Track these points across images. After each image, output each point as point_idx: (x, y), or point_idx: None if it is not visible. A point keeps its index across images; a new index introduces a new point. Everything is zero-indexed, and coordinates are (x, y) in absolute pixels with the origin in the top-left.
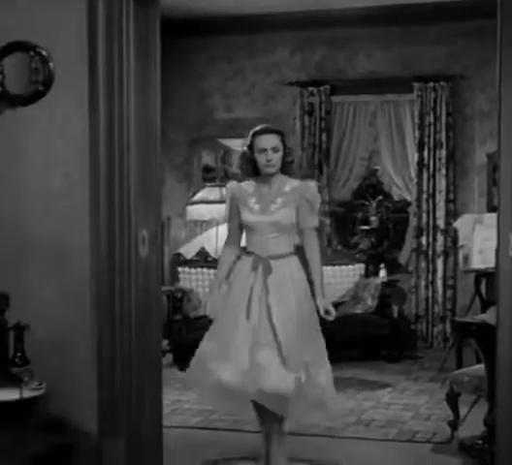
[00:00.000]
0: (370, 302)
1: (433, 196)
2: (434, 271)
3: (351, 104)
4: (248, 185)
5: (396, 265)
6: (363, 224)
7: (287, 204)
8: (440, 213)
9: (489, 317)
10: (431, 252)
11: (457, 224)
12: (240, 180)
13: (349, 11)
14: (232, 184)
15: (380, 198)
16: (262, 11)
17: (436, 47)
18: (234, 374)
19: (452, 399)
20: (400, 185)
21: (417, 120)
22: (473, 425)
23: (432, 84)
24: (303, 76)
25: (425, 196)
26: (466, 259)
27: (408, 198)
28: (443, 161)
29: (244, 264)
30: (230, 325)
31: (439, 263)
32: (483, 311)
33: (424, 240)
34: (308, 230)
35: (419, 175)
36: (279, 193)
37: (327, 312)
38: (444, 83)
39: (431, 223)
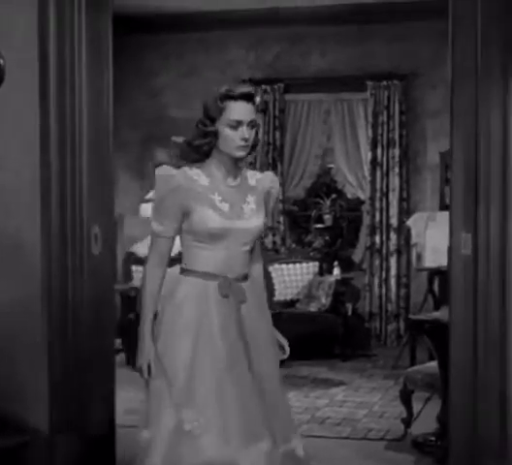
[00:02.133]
0: (324, 300)
1: (387, 194)
2: (388, 269)
3: (305, 102)
4: (198, 174)
5: (349, 263)
6: (317, 222)
7: (260, 204)
8: (393, 211)
9: (442, 314)
10: (384, 250)
11: (410, 222)
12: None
13: (303, 9)
14: (172, 171)
15: (334, 196)
16: (216, 8)
17: (390, 46)
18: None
19: (405, 396)
20: (354, 183)
21: (370, 119)
22: (426, 422)
23: (385, 83)
24: (257, 73)
25: (378, 194)
26: (419, 257)
27: (362, 196)
28: (396, 159)
29: (205, 291)
30: (222, 385)
31: (393, 261)
32: (436, 309)
33: (377, 238)
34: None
35: (372, 174)
36: (248, 188)
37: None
38: (397, 82)
39: (384, 221)
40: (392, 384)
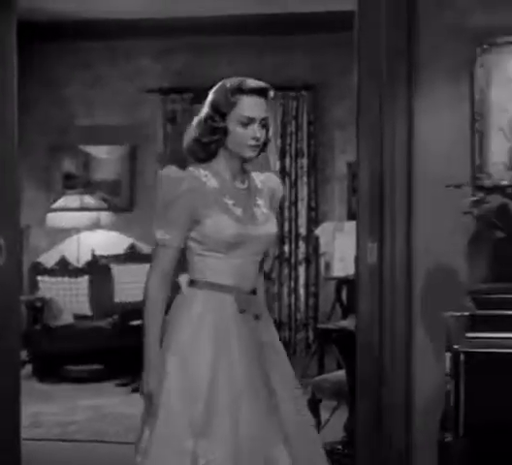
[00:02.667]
0: None
1: (295, 203)
2: (297, 278)
3: None
4: (206, 176)
5: None
6: None
7: (270, 208)
8: (302, 221)
9: (349, 323)
10: (293, 259)
11: (318, 231)
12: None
13: (212, 19)
14: (179, 172)
15: None
16: (124, 17)
17: (298, 57)
18: None
19: (313, 405)
20: None
21: (279, 128)
22: (334, 431)
23: (293, 93)
24: (165, 83)
25: (287, 203)
26: (328, 266)
27: None
28: (305, 169)
29: (222, 305)
30: (240, 415)
31: (301, 270)
32: (344, 317)
33: (286, 248)
34: None
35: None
36: (256, 190)
37: None
38: (305, 93)
39: (293, 230)
40: (300, 392)
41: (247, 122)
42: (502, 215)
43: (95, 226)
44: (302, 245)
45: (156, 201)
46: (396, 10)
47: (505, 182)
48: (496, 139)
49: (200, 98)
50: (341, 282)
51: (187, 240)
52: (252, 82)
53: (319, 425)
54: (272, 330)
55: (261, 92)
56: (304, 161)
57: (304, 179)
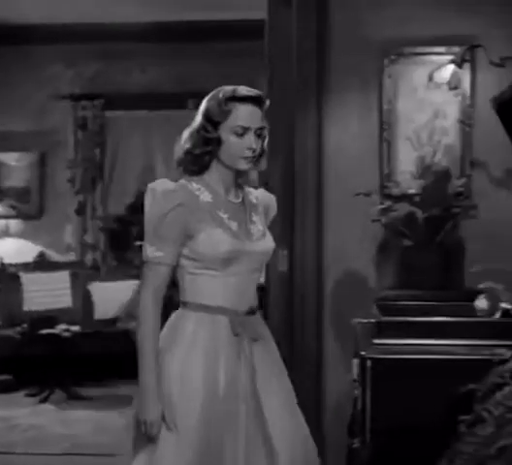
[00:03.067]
0: None
1: None
2: None
3: (126, 118)
4: (199, 189)
5: (173, 281)
6: (137, 239)
7: (265, 225)
8: None
9: None
10: None
11: None
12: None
13: (125, 25)
14: (171, 185)
15: None
16: (35, 21)
17: (212, 65)
18: None
19: None
20: None
21: None
22: None
23: None
24: (76, 89)
25: None
26: None
27: None
28: None
29: (214, 330)
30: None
31: None
32: None
33: None
34: None
35: None
36: (251, 206)
37: None
38: None
39: None
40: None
41: (242, 132)
42: (409, 223)
43: (3, 234)
44: None
45: (146, 216)
46: (306, 20)
47: (413, 191)
48: (404, 148)
49: (111, 104)
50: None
51: (179, 258)
52: (247, 90)
53: None
54: (272, 352)
55: (256, 100)
56: None
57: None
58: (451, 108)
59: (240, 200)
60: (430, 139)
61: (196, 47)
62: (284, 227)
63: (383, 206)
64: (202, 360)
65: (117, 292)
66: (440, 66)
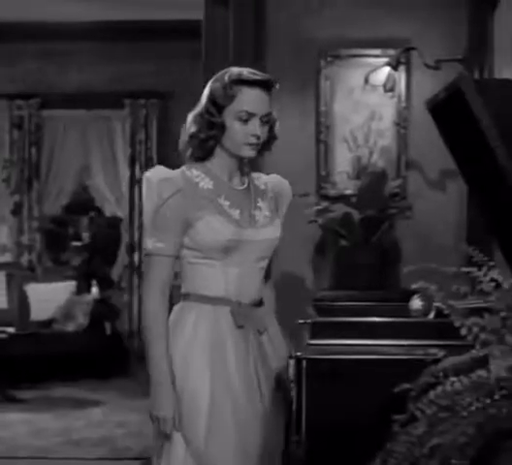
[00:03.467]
0: (82, 320)
1: None
2: None
3: (62, 118)
4: (199, 176)
5: (108, 282)
6: (74, 240)
7: (273, 211)
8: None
9: None
10: (143, 268)
11: None
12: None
13: (62, 24)
14: (168, 172)
15: (92, 214)
16: None
17: (148, 65)
18: None
19: None
20: (112, 201)
21: (128, 136)
22: None
23: (143, 101)
24: (11, 88)
25: (137, 212)
26: (177, 274)
27: (120, 214)
28: None
29: (217, 321)
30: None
31: None
32: None
33: (136, 256)
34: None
35: (130, 191)
36: (258, 192)
37: None
38: (155, 100)
39: (143, 239)
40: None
41: (247, 118)
42: (346, 224)
43: None
44: None
45: (143, 207)
46: (243, 21)
47: (349, 191)
48: (341, 149)
49: (47, 104)
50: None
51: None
52: (254, 73)
53: None
54: (280, 347)
55: (264, 84)
56: None
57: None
58: (387, 110)
59: (244, 186)
60: (366, 141)
61: (133, 47)
62: None
63: (320, 207)
64: (206, 354)
65: (54, 293)
66: (376, 68)
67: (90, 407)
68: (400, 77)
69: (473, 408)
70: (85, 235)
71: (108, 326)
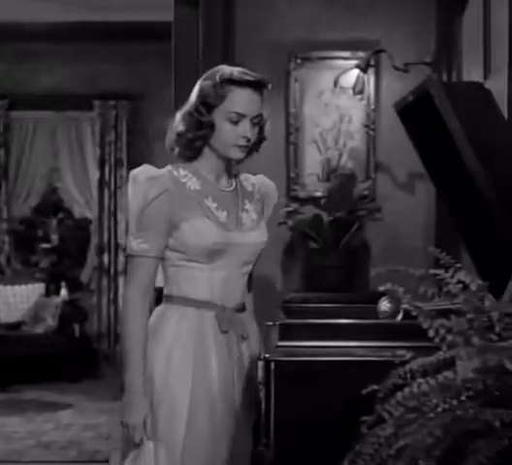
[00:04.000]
0: (51, 322)
1: (115, 214)
2: (116, 289)
3: (31, 119)
4: (186, 177)
5: (77, 284)
6: (43, 242)
7: (260, 214)
8: (121, 231)
9: None
10: (112, 270)
11: None
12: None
13: (32, 25)
14: (154, 171)
15: (61, 215)
16: None
17: (118, 66)
18: None
19: None
20: (82, 203)
21: (98, 138)
22: None
23: (112, 102)
24: None
25: (106, 213)
26: None
27: (89, 215)
28: (124, 179)
29: (200, 325)
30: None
31: (121, 280)
32: None
33: (105, 258)
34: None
35: (100, 193)
36: (245, 193)
37: None
38: (125, 102)
39: (112, 241)
40: (119, 405)
41: (237, 119)
42: (316, 226)
43: None
44: (121, 256)
45: (129, 206)
46: (212, 23)
47: (319, 193)
48: (310, 151)
49: (16, 105)
50: (160, 292)
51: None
52: (246, 73)
53: None
54: (254, 347)
55: (256, 85)
56: (124, 171)
57: (124, 189)
58: (356, 113)
59: (232, 187)
60: (335, 143)
61: (103, 49)
62: None
63: (289, 209)
64: (189, 359)
65: (22, 295)
66: (345, 70)
67: (59, 410)
68: (370, 79)
69: (440, 409)
70: (54, 237)
71: (76, 329)
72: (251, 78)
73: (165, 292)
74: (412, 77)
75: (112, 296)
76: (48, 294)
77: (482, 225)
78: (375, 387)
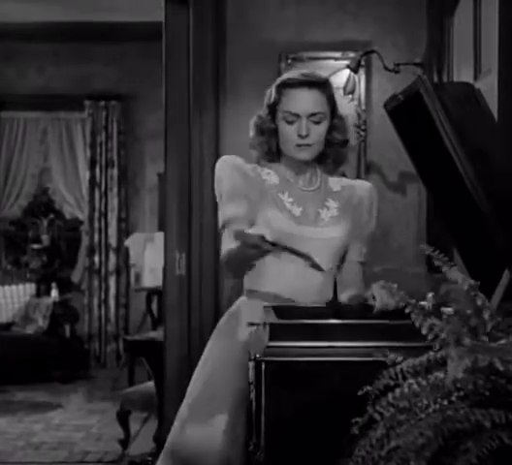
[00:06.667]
0: (42, 323)
1: (105, 214)
2: (107, 290)
3: (21, 120)
4: (268, 174)
5: (68, 284)
6: (34, 242)
7: (345, 212)
8: (112, 232)
9: (158, 334)
10: (103, 270)
11: (128, 242)
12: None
13: (22, 25)
14: (239, 159)
15: (52, 216)
16: None
17: (109, 66)
18: None
19: (122, 417)
20: (72, 203)
21: (88, 138)
22: (144, 442)
23: (103, 103)
24: None
25: (97, 214)
26: (138, 277)
27: (80, 216)
28: (115, 179)
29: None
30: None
31: (112, 281)
32: (154, 329)
33: (96, 259)
34: (353, 264)
35: (91, 194)
36: (329, 192)
37: None
38: (116, 102)
39: (103, 241)
40: (110, 405)
41: (292, 119)
42: None
43: None
44: (112, 256)
45: (215, 186)
46: (203, 23)
47: None
48: None
49: (6, 105)
50: (151, 293)
51: None
52: (301, 74)
53: (128, 437)
54: None
55: (312, 85)
56: (115, 171)
57: (115, 190)
58: (347, 113)
59: (313, 187)
60: None
61: (94, 49)
62: (181, 229)
63: None
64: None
65: (13, 295)
66: (336, 71)
67: (49, 410)
68: (360, 79)
69: (431, 410)
70: (45, 238)
71: (67, 329)
72: (303, 78)
73: (245, 285)
74: (403, 77)
75: (102, 297)
76: (38, 294)
77: (472, 224)
78: (366, 387)
